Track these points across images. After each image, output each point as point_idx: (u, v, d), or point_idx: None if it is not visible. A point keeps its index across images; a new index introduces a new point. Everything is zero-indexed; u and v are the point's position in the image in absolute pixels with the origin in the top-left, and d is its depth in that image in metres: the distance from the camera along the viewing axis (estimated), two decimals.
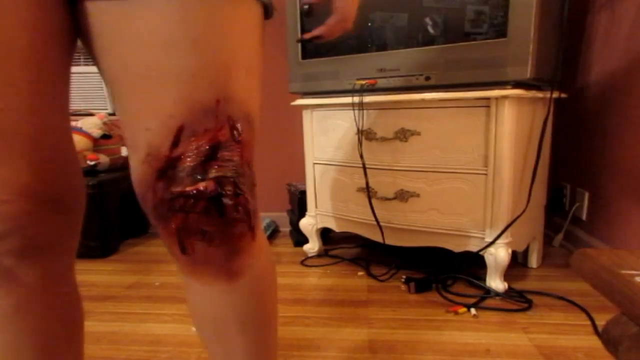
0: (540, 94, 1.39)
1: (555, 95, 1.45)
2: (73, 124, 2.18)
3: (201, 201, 0.50)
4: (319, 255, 1.86)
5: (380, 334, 1.22)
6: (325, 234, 1.99)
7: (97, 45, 0.52)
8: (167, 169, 0.50)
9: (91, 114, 2.26)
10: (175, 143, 0.50)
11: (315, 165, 1.76)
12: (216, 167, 0.51)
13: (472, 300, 1.37)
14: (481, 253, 1.41)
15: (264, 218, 2.25)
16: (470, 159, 1.38)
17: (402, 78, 1.44)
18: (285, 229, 2.23)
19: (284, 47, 2.06)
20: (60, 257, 0.60)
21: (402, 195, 1.52)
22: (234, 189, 0.52)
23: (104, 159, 2.17)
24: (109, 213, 2.03)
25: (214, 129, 0.51)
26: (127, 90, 0.51)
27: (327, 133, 1.68)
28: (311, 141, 1.75)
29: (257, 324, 0.63)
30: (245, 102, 0.54)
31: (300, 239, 1.94)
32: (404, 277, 1.55)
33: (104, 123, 2.20)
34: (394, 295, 1.46)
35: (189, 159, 0.50)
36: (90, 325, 1.34)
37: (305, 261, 1.80)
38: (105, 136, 2.20)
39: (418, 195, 1.49)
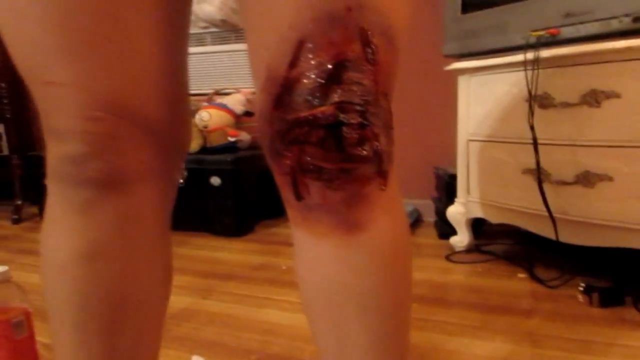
0: None
1: None
2: (218, 100, 2.19)
3: (317, 130, 0.41)
4: (469, 250, 1.57)
5: (548, 355, 0.92)
6: (478, 226, 1.69)
7: None
8: (283, 94, 0.42)
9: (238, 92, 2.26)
10: (294, 62, 0.40)
11: (470, 143, 1.48)
12: (339, 91, 0.40)
13: None
14: None
15: (404, 204, 2.01)
16: None
17: (597, 23, 1.09)
18: (430, 219, 1.97)
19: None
20: (150, 194, 0.53)
21: (587, 179, 1.16)
22: (359, 118, 0.41)
23: (244, 136, 2.15)
24: (245, 191, 1.98)
25: (340, 43, 0.40)
26: (249, 3, 0.44)
27: (487, 102, 1.39)
28: (467, 113, 1.47)
29: (380, 302, 0.47)
30: (385, 12, 0.42)
31: (446, 230, 1.68)
32: (582, 284, 1.18)
33: (248, 100, 2.17)
34: (568, 307, 1.12)
35: (306, 80, 0.41)
36: (208, 305, 1.26)
37: (451, 256, 1.54)
38: (248, 113, 2.17)
39: (610, 179, 1.12)
